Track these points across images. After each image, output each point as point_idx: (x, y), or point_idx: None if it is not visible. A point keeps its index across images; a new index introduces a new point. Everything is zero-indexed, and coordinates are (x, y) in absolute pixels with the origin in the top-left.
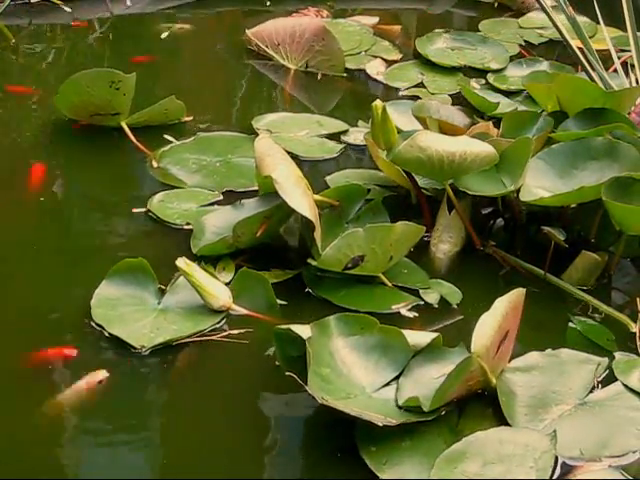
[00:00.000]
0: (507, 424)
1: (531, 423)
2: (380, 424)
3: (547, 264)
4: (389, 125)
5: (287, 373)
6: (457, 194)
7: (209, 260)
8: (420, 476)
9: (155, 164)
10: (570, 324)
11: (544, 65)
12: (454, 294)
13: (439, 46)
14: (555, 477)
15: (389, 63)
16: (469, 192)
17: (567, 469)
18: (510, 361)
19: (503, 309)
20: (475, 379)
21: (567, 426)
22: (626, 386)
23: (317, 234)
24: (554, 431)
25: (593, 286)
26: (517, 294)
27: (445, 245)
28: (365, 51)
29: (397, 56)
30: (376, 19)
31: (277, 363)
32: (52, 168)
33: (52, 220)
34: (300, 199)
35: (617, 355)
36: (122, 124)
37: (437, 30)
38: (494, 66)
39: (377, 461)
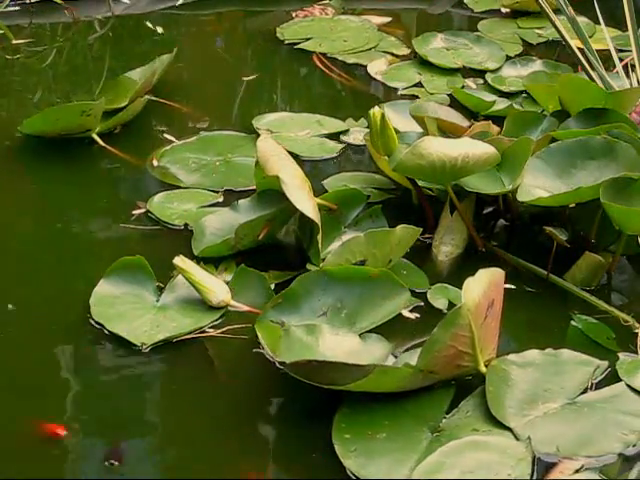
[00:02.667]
0: (491, 424)
1: (514, 417)
2: (350, 362)
3: (549, 264)
4: (389, 133)
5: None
6: (458, 194)
7: (209, 261)
8: (386, 469)
9: (155, 163)
10: (572, 322)
11: (537, 64)
12: (459, 298)
13: (435, 46)
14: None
15: (400, 58)
16: (467, 189)
17: (544, 467)
18: (503, 356)
19: (486, 278)
20: (463, 342)
21: (549, 424)
22: (629, 386)
23: (320, 237)
24: (529, 437)
25: (595, 286)
26: (497, 273)
27: (447, 247)
28: (374, 47)
29: (406, 51)
30: (388, 19)
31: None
32: (40, 173)
33: (49, 223)
34: (305, 201)
35: (621, 355)
36: (93, 135)
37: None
38: (490, 65)
39: (346, 448)
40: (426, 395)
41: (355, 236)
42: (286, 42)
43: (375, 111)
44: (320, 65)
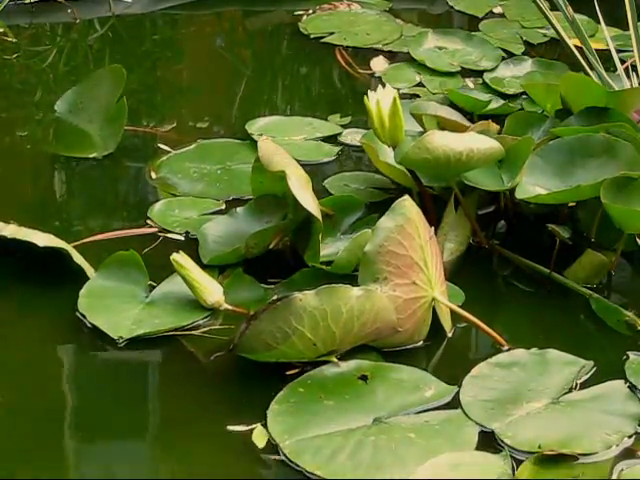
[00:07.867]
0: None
1: (494, 418)
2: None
3: (552, 262)
4: (398, 121)
5: None
6: (461, 191)
7: (212, 267)
8: (285, 428)
9: (154, 175)
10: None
11: (530, 63)
12: (457, 295)
13: (428, 46)
14: None
15: None
16: (466, 182)
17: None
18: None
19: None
20: (413, 247)
21: (532, 423)
22: (634, 386)
23: (321, 236)
24: (508, 453)
25: (597, 284)
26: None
27: (451, 244)
28: (401, 36)
29: None
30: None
31: None
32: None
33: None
34: (309, 199)
35: (631, 355)
36: None
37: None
38: (485, 64)
39: (287, 397)
40: (409, 393)
41: (364, 231)
42: (312, 36)
43: (384, 93)
44: (341, 60)
